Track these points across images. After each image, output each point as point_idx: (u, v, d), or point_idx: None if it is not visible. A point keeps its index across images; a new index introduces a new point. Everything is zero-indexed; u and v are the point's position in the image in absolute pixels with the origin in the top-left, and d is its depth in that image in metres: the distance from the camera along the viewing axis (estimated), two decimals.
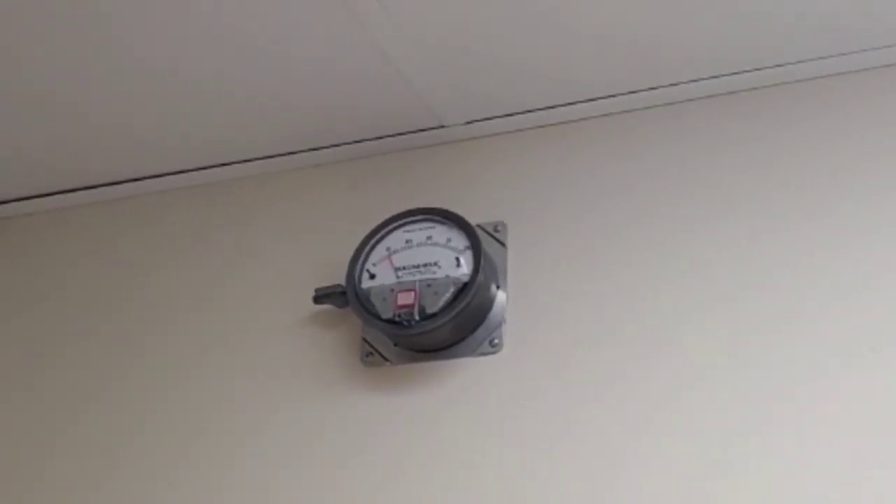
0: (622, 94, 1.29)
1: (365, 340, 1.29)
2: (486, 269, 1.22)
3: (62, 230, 1.51)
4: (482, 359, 1.23)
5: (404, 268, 1.24)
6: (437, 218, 1.26)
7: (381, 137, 1.37)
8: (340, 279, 1.27)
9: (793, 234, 1.18)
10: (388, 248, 1.26)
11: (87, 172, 1.47)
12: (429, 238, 1.25)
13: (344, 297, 1.26)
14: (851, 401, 1.09)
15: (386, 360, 1.27)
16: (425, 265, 1.23)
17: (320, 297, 1.29)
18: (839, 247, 1.16)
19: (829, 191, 1.19)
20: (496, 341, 1.24)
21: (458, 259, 1.22)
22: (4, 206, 1.52)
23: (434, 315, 1.20)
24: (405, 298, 1.21)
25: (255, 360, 1.33)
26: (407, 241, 1.26)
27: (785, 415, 1.11)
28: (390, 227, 1.27)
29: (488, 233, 1.28)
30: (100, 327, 1.42)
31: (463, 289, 1.20)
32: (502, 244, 1.28)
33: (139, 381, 1.37)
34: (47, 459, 1.37)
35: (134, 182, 1.47)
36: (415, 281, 1.22)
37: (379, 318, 1.22)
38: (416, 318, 1.20)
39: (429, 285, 1.21)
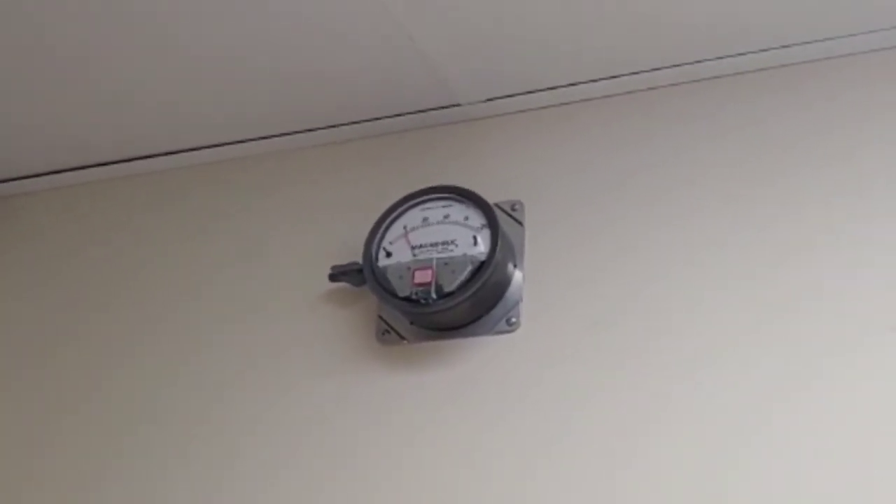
0: (642, 71, 1.28)
1: (381, 318, 1.28)
2: (503, 248, 1.22)
3: (75, 207, 1.51)
4: (499, 337, 1.23)
5: (421, 246, 1.23)
6: (455, 196, 1.25)
7: (398, 115, 1.36)
8: (357, 257, 1.26)
9: (810, 214, 1.17)
10: (405, 226, 1.25)
11: (102, 149, 1.47)
12: (446, 216, 1.25)
13: (360, 275, 1.26)
14: (872, 380, 1.08)
15: (402, 338, 1.27)
16: (442, 243, 1.23)
17: (336, 275, 1.29)
18: (856, 226, 1.15)
19: (848, 170, 1.18)
20: (513, 320, 1.23)
21: (475, 237, 1.22)
22: (22, 181, 1.53)
23: (451, 293, 1.19)
24: (422, 276, 1.21)
25: (271, 338, 1.33)
26: (424, 220, 1.25)
27: (804, 395, 1.10)
28: (407, 204, 1.27)
29: (506, 211, 1.28)
30: (116, 305, 1.42)
31: (480, 267, 1.20)
32: (520, 223, 1.28)
33: (154, 359, 1.37)
34: (68, 431, 1.37)
35: (149, 159, 1.47)
36: (432, 259, 1.22)
37: (395, 296, 1.22)
38: (433, 296, 1.19)
39: (446, 263, 1.21)
